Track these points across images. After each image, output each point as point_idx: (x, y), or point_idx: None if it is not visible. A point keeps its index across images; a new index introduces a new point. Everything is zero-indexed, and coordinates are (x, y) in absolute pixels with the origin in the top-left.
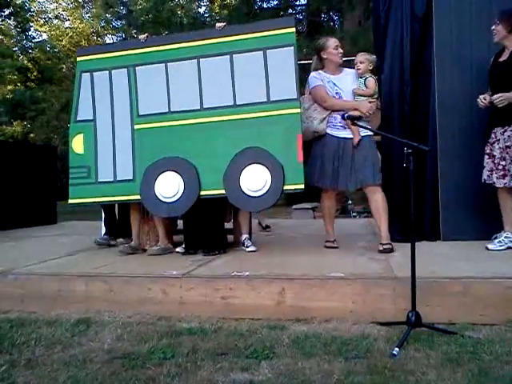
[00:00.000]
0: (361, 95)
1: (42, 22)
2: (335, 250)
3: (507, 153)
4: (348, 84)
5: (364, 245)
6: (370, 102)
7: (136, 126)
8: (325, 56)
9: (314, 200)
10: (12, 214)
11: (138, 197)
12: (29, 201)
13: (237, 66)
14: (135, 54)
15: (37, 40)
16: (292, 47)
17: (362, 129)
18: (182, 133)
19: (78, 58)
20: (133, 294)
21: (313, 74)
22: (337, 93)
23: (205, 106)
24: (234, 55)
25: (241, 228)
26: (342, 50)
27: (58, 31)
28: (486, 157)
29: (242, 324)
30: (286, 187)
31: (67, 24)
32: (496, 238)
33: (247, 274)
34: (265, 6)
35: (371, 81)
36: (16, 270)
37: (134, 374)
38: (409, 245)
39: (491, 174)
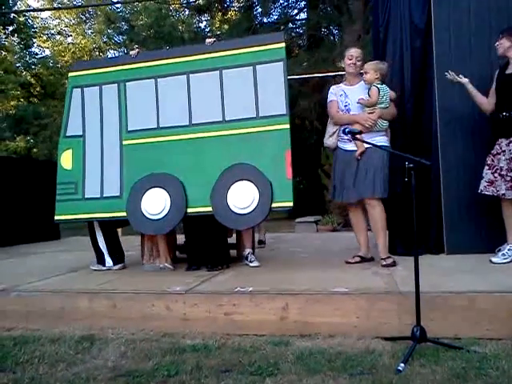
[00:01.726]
0: (366, 105)
1: (44, 37)
2: (339, 264)
3: None
4: (358, 95)
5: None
6: (371, 113)
7: (125, 142)
8: (343, 66)
9: (318, 213)
10: (15, 229)
11: (125, 214)
12: (31, 216)
13: (226, 82)
14: (126, 69)
15: (40, 56)
16: (282, 62)
17: (369, 140)
18: (170, 149)
19: (70, 74)
20: (136, 310)
21: (332, 87)
22: (345, 105)
23: (193, 122)
24: (223, 70)
25: (244, 243)
26: (354, 61)
27: (60, 47)
28: (486, 167)
29: (245, 340)
30: (274, 205)
31: (70, 40)
32: (500, 250)
33: (251, 289)
34: (265, 20)
35: (373, 90)
36: (19, 287)
37: None
38: (412, 258)
39: (489, 186)
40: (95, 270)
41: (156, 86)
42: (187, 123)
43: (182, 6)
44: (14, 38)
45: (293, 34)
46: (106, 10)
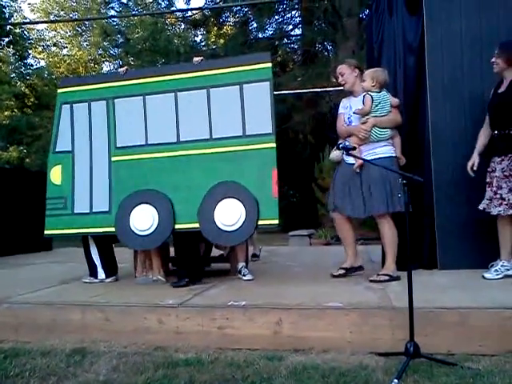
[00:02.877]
0: (361, 115)
1: (40, 49)
2: (332, 278)
3: (505, 182)
4: (359, 106)
5: (361, 273)
6: (364, 123)
7: (113, 158)
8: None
9: (311, 226)
10: (6, 240)
11: (113, 229)
12: (23, 227)
13: (213, 100)
14: (114, 86)
15: (35, 67)
16: (268, 82)
17: (369, 151)
18: (158, 165)
19: (59, 90)
20: (129, 323)
21: (342, 100)
22: (348, 117)
23: (181, 139)
24: (210, 89)
25: (237, 256)
26: (341, 78)
27: (56, 58)
28: (487, 185)
29: (239, 354)
30: (260, 222)
31: (65, 51)
32: (492, 266)
33: (244, 303)
34: (260, 35)
35: (366, 98)
36: (10, 299)
37: None
38: (405, 273)
39: (490, 203)
40: (87, 282)
41: (144, 103)
42: (175, 140)
43: (177, 19)
44: (10, 49)
45: (287, 49)
46: (102, 22)
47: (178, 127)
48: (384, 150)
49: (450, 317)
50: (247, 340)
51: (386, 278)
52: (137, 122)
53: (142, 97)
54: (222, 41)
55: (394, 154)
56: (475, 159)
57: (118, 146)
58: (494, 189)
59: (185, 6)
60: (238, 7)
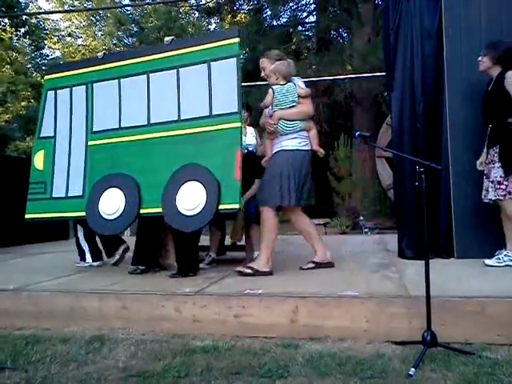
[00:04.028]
0: (263, 108)
1: (55, 39)
2: (348, 267)
3: (497, 168)
4: None
5: (377, 261)
6: (271, 116)
7: (90, 143)
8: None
9: (326, 216)
10: (24, 229)
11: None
12: None
13: (183, 80)
14: (93, 70)
15: (50, 57)
16: (235, 58)
17: (277, 144)
18: (129, 149)
19: (46, 77)
20: (146, 311)
21: None
22: (268, 111)
23: (152, 122)
24: (180, 69)
25: (253, 246)
26: (263, 73)
27: (70, 48)
28: (484, 177)
29: (255, 342)
30: (221, 206)
31: (80, 41)
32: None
33: (260, 292)
34: (274, 23)
35: (268, 92)
36: (29, 287)
37: None
38: (422, 262)
39: (487, 194)
40: (79, 266)
41: (119, 86)
42: (146, 123)
43: (191, 8)
44: (26, 40)
45: (302, 36)
46: (116, 12)
47: (149, 109)
48: (290, 143)
49: (468, 306)
50: (263, 328)
51: (249, 271)
52: (112, 105)
53: (117, 80)
54: None
55: (304, 148)
56: (483, 155)
57: (94, 130)
58: (491, 178)
59: None
60: None
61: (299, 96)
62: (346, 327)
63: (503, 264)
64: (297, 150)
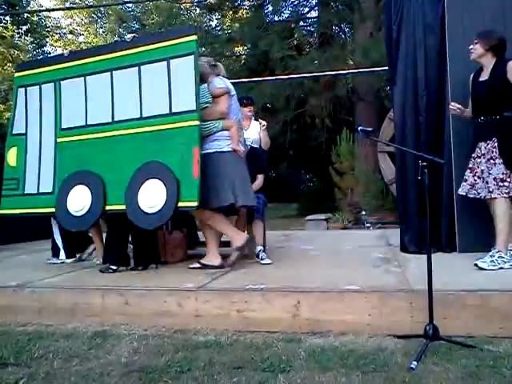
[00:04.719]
0: None
1: (56, 37)
2: (351, 262)
3: (494, 165)
4: None
5: (379, 256)
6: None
7: (58, 140)
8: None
9: (328, 211)
10: (26, 226)
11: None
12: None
13: (144, 78)
14: (61, 68)
15: (52, 55)
16: (192, 56)
17: (203, 147)
18: (95, 146)
19: (16, 74)
20: (149, 306)
21: None
22: None
23: (115, 119)
24: (141, 66)
25: (255, 240)
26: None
27: (72, 46)
28: (468, 171)
29: (257, 337)
30: (180, 204)
31: (81, 39)
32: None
33: (262, 286)
34: (276, 18)
35: None
36: (32, 283)
37: None
38: (424, 256)
39: (471, 189)
40: (50, 263)
41: (85, 83)
42: (110, 120)
43: (192, 4)
44: (28, 38)
45: (304, 32)
46: (117, 9)
47: (113, 107)
48: (210, 146)
49: (471, 299)
50: (266, 323)
51: (197, 265)
52: (78, 103)
53: (83, 78)
54: (237, 25)
55: (224, 149)
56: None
57: (62, 127)
58: (485, 175)
59: None
60: None
61: (214, 96)
62: (348, 321)
63: (497, 267)
64: (215, 152)
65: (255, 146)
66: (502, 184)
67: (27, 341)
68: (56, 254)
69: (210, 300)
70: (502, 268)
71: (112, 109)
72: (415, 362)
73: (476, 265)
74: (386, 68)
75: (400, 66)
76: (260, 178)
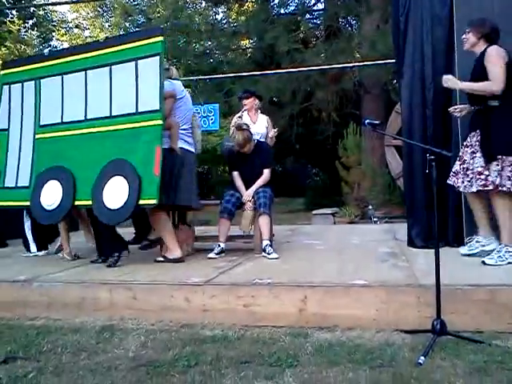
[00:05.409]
0: None
1: (62, 31)
2: (357, 256)
3: (478, 157)
4: None
5: (386, 251)
6: None
7: (37, 136)
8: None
9: (335, 205)
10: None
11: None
12: None
13: (114, 77)
14: (41, 67)
15: (58, 49)
16: (158, 57)
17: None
18: (68, 143)
19: (2, 72)
20: (156, 301)
21: None
22: None
23: (88, 117)
24: (112, 66)
25: (262, 234)
26: None
27: (78, 40)
28: (458, 158)
29: (264, 332)
30: (140, 202)
31: (87, 33)
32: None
33: (269, 281)
34: (282, 11)
35: None
36: (40, 278)
37: (158, 382)
38: (432, 251)
39: (453, 176)
40: (26, 256)
41: (62, 82)
42: (83, 118)
43: None
44: (34, 32)
45: (310, 24)
46: (123, 2)
47: (86, 105)
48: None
49: (479, 294)
50: (272, 317)
51: (162, 259)
52: (56, 100)
53: (60, 76)
54: (243, 18)
55: (164, 146)
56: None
57: (41, 124)
58: (466, 165)
59: None
60: None
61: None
62: (355, 316)
63: (477, 250)
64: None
65: (262, 139)
66: (478, 177)
67: (36, 335)
68: (28, 247)
69: (216, 294)
70: (510, 263)
71: (85, 107)
72: (423, 357)
73: (483, 262)
74: (393, 60)
75: (407, 59)
76: (266, 172)
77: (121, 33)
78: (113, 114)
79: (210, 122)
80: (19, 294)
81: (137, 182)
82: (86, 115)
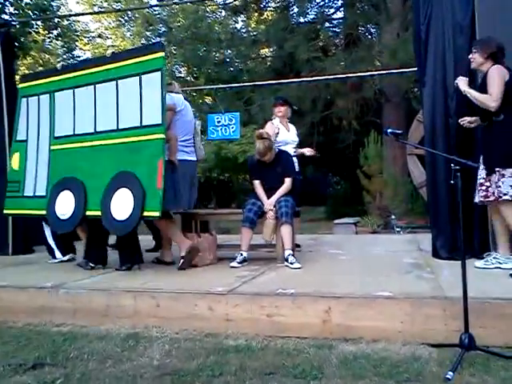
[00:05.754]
0: None
1: (85, 40)
2: (381, 267)
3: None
4: None
5: (410, 261)
6: None
7: (52, 147)
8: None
9: (357, 215)
10: None
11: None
12: None
13: (121, 92)
14: (55, 80)
15: (81, 58)
16: (159, 72)
17: None
18: (80, 154)
19: (20, 85)
20: (180, 309)
21: None
22: None
23: (97, 130)
24: (119, 81)
25: (284, 244)
26: None
27: (100, 49)
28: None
29: (288, 342)
30: (144, 214)
31: (109, 42)
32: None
33: (292, 291)
34: (302, 20)
35: None
36: (66, 285)
37: None
38: (458, 262)
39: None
40: (51, 263)
41: (74, 95)
42: (93, 131)
43: (218, 6)
44: (58, 42)
45: (330, 33)
46: (144, 12)
47: (95, 118)
48: None
49: (508, 308)
50: (296, 328)
51: (156, 260)
52: (68, 113)
53: (72, 90)
54: (262, 27)
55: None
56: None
57: (55, 135)
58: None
59: None
60: None
61: None
62: (380, 328)
63: (492, 266)
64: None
65: (293, 148)
66: (480, 188)
67: (62, 341)
68: (52, 254)
69: (240, 304)
70: (497, 267)
71: (95, 120)
72: (451, 373)
73: (511, 275)
74: (414, 69)
75: (429, 68)
76: (288, 181)
77: (142, 42)
78: (119, 127)
79: (231, 130)
80: (46, 301)
81: (141, 195)
82: (95, 128)
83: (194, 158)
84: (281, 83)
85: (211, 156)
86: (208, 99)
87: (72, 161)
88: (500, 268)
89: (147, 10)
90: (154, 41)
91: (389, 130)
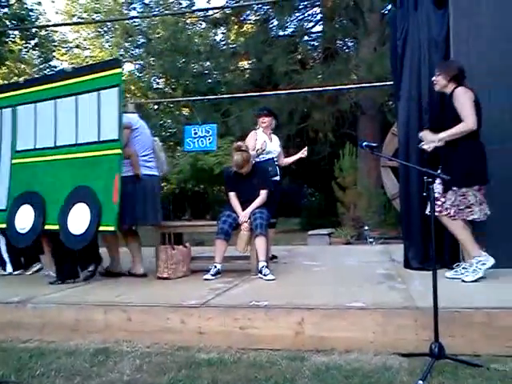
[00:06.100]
0: None
1: (63, 51)
2: (354, 278)
3: None
4: None
5: (382, 272)
6: None
7: (13, 161)
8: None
9: (330, 226)
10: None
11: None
12: None
13: (80, 106)
14: (17, 94)
15: (58, 69)
16: (117, 88)
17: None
18: (41, 169)
19: None
20: (151, 323)
21: None
22: None
23: (57, 144)
24: (78, 96)
25: (258, 256)
26: None
27: (78, 59)
28: None
29: (261, 355)
30: (100, 228)
31: (87, 53)
32: (458, 266)
33: (266, 303)
34: (281, 33)
35: None
36: (34, 299)
37: None
38: (428, 273)
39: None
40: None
41: (35, 110)
42: (53, 145)
43: (198, 19)
44: (34, 52)
45: (308, 46)
46: (124, 23)
47: (55, 133)
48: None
49: (477, 317)
50: (269, 340)
51: (127, 273)
52: (30, 127)
53: (34, 104)
54: (242, 39)
55: (124, 174)
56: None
57: (17, 149)
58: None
59: (205, 5)
60: (259, 5)
61: None
62: (352, 339)
63: (482, 271)
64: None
65: (275, 159)
66: (435, 202)
67: (29, 358)
68: (3, 266)
69: (213, 317)
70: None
71: (55, 134)
72: (421, 382)
73: (463, 280)
74: (390, 83)
75: (404, 82)
76: (263, 194)
77: (120, 53)
78: (78, 141)
79: (208, 142)
80: (12, 316)
81: (98, 209)
82: (55, 142)
83: (156, 173)
84: (259, 95)
85: (187, 167)
86: (185, 111)
87: (33, 175)
88: (463, 281)
89: (127, 21)
90: (132, 52)
91: (364, 143)
